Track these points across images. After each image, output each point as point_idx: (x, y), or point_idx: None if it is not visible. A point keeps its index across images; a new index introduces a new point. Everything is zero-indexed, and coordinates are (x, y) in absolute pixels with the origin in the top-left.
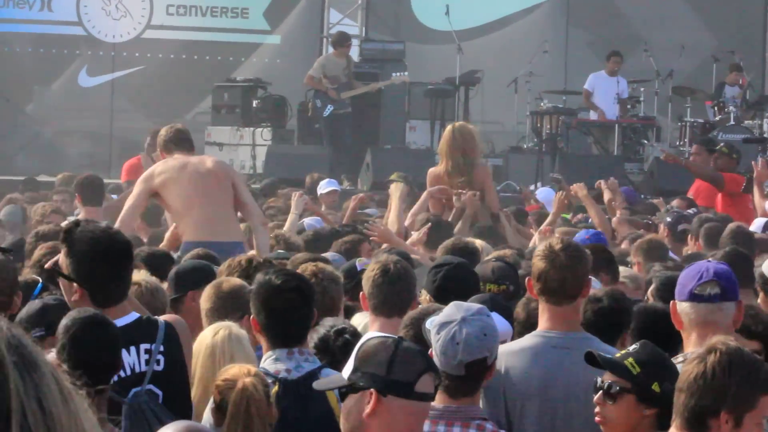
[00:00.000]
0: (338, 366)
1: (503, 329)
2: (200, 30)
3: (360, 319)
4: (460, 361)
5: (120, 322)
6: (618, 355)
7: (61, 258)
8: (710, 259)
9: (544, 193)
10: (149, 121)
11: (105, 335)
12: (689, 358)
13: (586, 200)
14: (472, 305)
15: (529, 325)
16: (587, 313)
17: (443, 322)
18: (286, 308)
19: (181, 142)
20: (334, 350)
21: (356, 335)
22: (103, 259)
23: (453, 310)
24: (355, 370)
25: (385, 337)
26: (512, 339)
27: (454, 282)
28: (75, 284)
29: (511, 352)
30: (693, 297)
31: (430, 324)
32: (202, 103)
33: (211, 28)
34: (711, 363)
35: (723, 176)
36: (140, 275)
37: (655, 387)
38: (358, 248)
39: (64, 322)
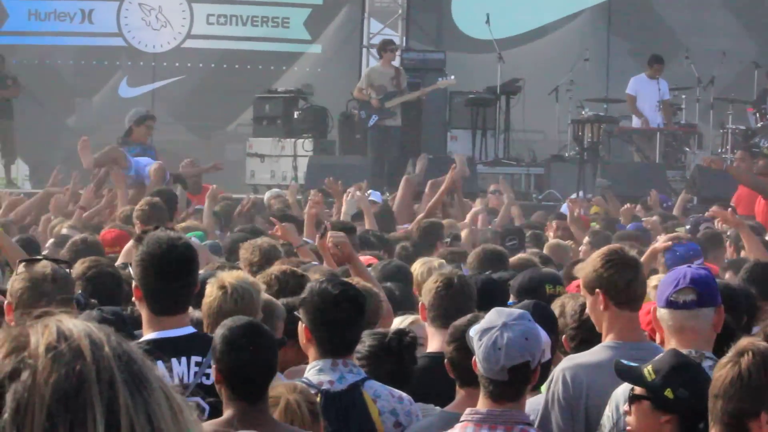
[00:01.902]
0: (405, 367)
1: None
2: (241, 39)
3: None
4: (502, 366)
5: (173, 333)
6: (647, 363)
7: None
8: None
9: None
10: (190, 132)
11: (261, 342)
12: (720, 363)
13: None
14: (513, 310)
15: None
16: None
17: (485, 328)
18: (342, 319)
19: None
20: (401, 351)
21: (415, 338)
22: (156, 266)
23: (494, 316)
24: None
25: None
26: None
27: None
28: (135, 285)
29: (588, 366)
30: (669, 304)
31: (474, 332)
32: (243, 114)
33: (252, 38)
34: (746, 365)
35: None
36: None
37: (668, 393)
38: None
39: (220, 331)
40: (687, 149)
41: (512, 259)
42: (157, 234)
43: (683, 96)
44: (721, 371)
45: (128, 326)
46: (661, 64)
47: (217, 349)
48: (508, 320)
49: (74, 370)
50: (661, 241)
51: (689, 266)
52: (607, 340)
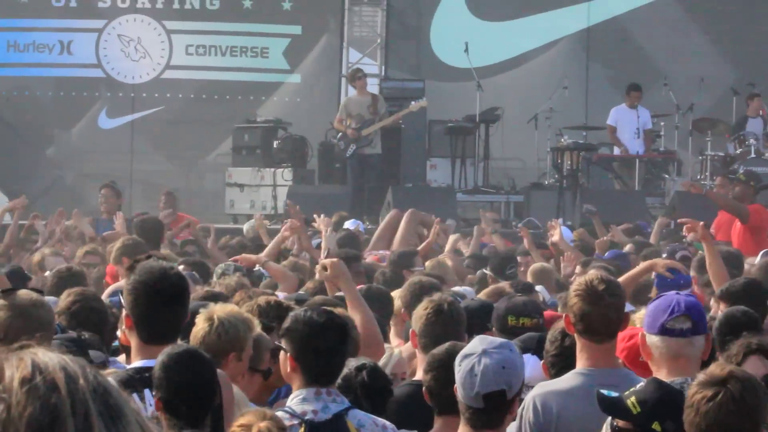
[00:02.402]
0: (359, 404)
1: (536, 374)
2: (220, 70)
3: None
4: (477, 392)
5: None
6: (626, 392)
7: None
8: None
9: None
10: (169, 162)
11: (198, 370)
12: (703, 396)
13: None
14: (495, 339)
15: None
16: None
17: (465, 354)
18: (328, 347)
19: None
20: (356, 387)
21: (376, 371)
22: (148, 294)
23: (476, 343)
24: None
25: None
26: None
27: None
28: (126, 313)
29: (559, 393)
30: (664, 331)
31: (457, 357)
32: (222, 144)
33: (231, 68)
34: (737, 390)
35: (748, 208)
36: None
37: (656, 426)
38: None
39: (159, 358)
40: (666, 176)
41: (485, 291)
42: (150, 263)
43: (662, 123)
44: (709, 405)
45: (86, 351)
46: (639, 91)
47: (155, 376)
48: (489, 348)
49: (49, 403)
50: (660, 264)
51: (677, 293)
52: (579, 366)
